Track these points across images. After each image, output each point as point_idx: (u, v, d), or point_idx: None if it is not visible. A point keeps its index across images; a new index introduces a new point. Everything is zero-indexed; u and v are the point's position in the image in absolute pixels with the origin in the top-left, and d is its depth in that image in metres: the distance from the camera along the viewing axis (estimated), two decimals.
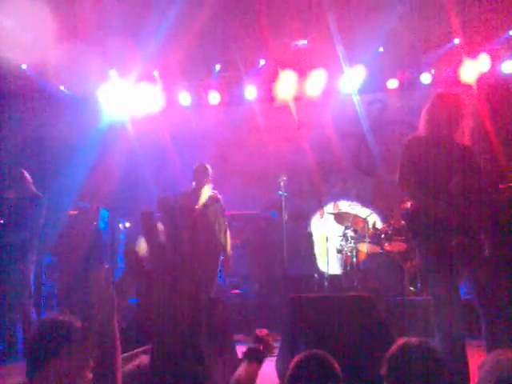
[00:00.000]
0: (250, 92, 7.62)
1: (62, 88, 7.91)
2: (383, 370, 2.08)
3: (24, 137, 7.29)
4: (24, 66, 7.41)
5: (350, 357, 3.28)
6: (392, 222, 5.51)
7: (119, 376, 1.67)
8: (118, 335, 1.66)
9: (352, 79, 7.18)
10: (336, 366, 2.17)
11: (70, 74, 7.23)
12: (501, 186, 3.86)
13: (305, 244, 6.74)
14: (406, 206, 3.90)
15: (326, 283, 5.86)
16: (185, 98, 7.82)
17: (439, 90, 3.71)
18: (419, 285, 5.26)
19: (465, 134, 3.35)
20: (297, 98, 7.53)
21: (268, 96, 7.66)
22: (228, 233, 4.91)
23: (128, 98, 7.85)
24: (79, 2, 6.26)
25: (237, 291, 5.81)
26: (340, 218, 5.91)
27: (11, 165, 6.56)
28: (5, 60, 6.73)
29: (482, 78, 6.82)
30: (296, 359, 2.23)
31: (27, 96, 7.42)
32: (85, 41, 6.61)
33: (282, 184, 5.62)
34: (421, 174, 3.22)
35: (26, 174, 4.65)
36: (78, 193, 6.59)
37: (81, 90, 7.85)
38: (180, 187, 7.23)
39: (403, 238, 5.07)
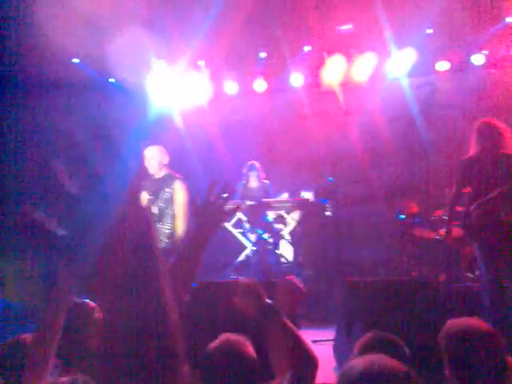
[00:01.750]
0: (296, 79, 7.64)
1: (111, 80, 8.13)
2: (441, 348, 2.09)
3: (75, 129, 7.52)
4: (76, 60, 7.62)
5: (408, 341, 3.40)
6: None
7: None
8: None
9: (400, 62, 7.11)
10: (405, 348, 2.22)
11: (120, 66, 7.37)
12: None
13: (357, 229, 6.77)
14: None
15: (381, 269, 5.91)
16: (231, 87, 7.90)
17: (483, 120, 4.36)
18: (477, 272, 5.24)
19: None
20: (343, 84, 7.51)
21: (314, 82, 7.67)
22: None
23: (175, 89, 7.99)
24: None
25: (289, 277, 5.87)
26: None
27: (71, 159, 6.87)
28: (58, 53, 6.99)
29: None
30: (363, 340, 2.25)
31: (79, 89, 7.65)
32: (133, 32, 6.76)
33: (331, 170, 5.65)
34: (476, 188, 4.17)
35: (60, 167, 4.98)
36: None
37: (130, 81, 7.92)
38: (228, 176, 7.48)
39: (460, 223, 5.05)
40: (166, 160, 4.84)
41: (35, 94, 7.16)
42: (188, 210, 4.63)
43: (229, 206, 6.22)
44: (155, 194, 4.66)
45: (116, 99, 7.89)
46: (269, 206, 6.48)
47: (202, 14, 6.65)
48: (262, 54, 7.67)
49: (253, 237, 6.58)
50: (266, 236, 6.43)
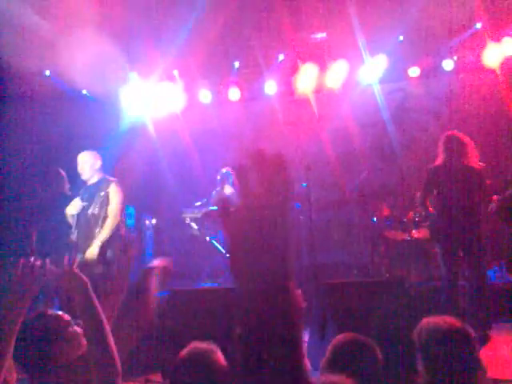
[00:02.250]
0: (270, 87, 7.72)
1: (84, 91, 8.10)
2: (415, 347, 2.11)
3: (49, 140, 7.44)
4: (47, 72, 7.61)
5: (380, 341, 3.40)
6: (418, 210, 5.55)
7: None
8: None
9: (373, 69, 7.21)
10: (377, 349, 2.20)
11: (92, 78, 7.32)
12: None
13: (331, 233, 6.80)
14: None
15: (354, 271, 5.93)
16: (205, 96, 7.95)
17: (449, 133, 4.79)
18: None
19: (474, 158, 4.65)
20: (317, 91, 7.59)
21: (288, 90, 7.73)
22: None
23: (149, 99, 8.00)
24: (99, 4, 6.39)
25: None
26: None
27: (41, 165, 6.84)
28: (29, 66, 6.93)
29: (506, 63, 6.77)
30: (335, 342, 2.24)
31: (51, 100, 7.61)
32: (106, 43, 6.73)
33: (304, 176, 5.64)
34: (440, 194, 4.62)
35: (62, 172, 5.19)
36: None
37: (102, 92, 7.90)
38: (202, 184, 7.49)
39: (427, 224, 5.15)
40: (99, 164, 4.73)
41: (6, 105, 7.14)
42: (120, 211, 4.54)
43: (203, 214, 6.14)
44: (89, 200, 4.54)
45: (89, 111, 7.85)
46: None
47: (177, 24, 6.71)
48: (236, 64, 7.75)
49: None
50: None
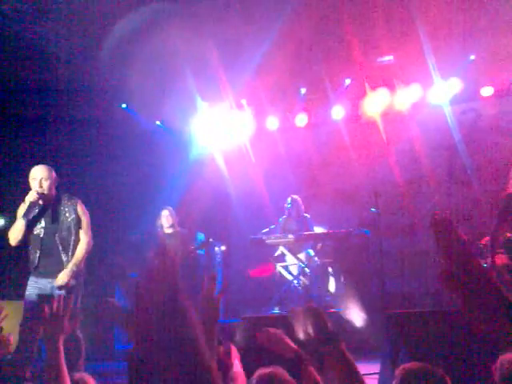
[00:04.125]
0: (337, 111, 7.77)
1: (157, 123, 8.55)
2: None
3: (128, 173, 7.85)
4: (124, 105, 8.10)
5: (454, 373, 3.31)
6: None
7: None
8: None
9: (444, 91, 7.09)
10: (448, 381, 2.08)
11: (165, 109, 7.82)
12: None
13: (402, 260, 6.66)
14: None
15: (428, 300, 5.76)
16: (272, 123, 8.13)
17: None
18: None
19: None
20: (385, 114, 7.54)
21: (355, 114, 7.75)
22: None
23: (218, 128, 8.34)
24: (166, 38, 6.74)
25: (332, 310, 5.89)
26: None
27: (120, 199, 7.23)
28: (107, 100, 7.52)
29: None
30: (403, 371, 2.13)
31: (127, 133, 8.02)
32: (178, 74, 7.10)
33: (373, 201, 5.62)
34: None
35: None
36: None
37: (174, 123, 8.46)
38: (269, 210, 7.59)
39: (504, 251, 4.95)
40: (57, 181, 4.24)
41: (82, 136, 7.50)
42: (90, 230, 4.22)
43: (271, 241, 6.21)
44: (55, 223, 4.10)
45: (161, 141, 8.25)
46: (310, 239, 6.52)
47: (246, 53, 6.93)
48: (303, 90, 7.88)
49: (294, 270, 6.60)
50: (307, 269, 6.45)
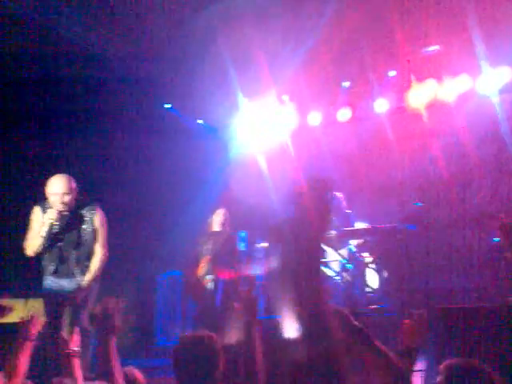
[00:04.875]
0: (381, 104, 7.68)
1: (199, 121, 8.70)
2: None
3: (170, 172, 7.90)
4: (167, 105, 8.24)
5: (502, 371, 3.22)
6: None
7: None
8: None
9: (493, 80, 6.89)
10: (495, 376, 2.07)
11: (207, 107, 7.95)
12: None
13: (448, 255, 6.53)
14: None
15: (474, 295, 5.65)
16: (314, 118, 8.12)
17: None
18: None
19: None
20: (430, 105, 7.41)
21: (399, 107, 7.63)
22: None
23: (259, 125, 8.41)
24: (210, 35, 6.74)
25: (375, 306, 5.86)
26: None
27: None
28: (150, 99, 7.68)
29: None
30: (448, 366, 2.12)
31: (169, 132, 8.03)
32: (219, 72, 7.16)
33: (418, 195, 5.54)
34: None
35: None
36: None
37: (216, 121, 8.63)
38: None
39: None
40: (74, 187, 4.10)
41: (126, 137, 7.66)
42: (106, 242, 4.11)
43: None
44: (73, 235, 4.04)
45: (202, 139, 8.36)
46: (352, 235, 6.47)
47: (290, 48, 6.98)
48: (346, 83, 7.83)
49: (336, 266, 6.55)
50: (349, 265, 6.41)
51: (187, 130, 8.43)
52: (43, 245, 3.99)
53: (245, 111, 8.33)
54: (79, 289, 3.93)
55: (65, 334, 2.75)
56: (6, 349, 2.62)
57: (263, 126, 8.39)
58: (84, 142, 7.04)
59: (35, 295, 4.70)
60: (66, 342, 2.48)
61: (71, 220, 4.05)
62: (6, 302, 5.23)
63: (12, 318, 5.12)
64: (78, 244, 4.03)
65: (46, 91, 6.58)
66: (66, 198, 3.99)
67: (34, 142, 6.69)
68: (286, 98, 8.17)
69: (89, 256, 4.07)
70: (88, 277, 4.01)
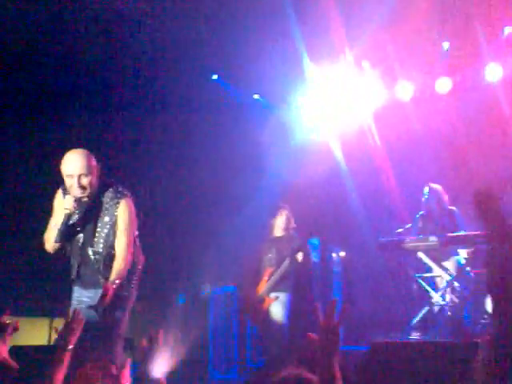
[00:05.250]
0: (493, 72, 7.34)
1: (255, 96, 8.61)
2: None
3: (219, 161, 8.03)
4: (215, 76, 8.25)
5: None
6: None
7: None
8: None
9: None
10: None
11: (265, 78, 7.83)
12: None
13: None
14: None
15: None
16: (405, 90, 7.85)
17: None
18: None
19: None
20: None
21: None
22: None
23: (331, 101, 8.23)
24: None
25: (488, 338, 5.56)
26: None
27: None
28: (196, 70, 7.69)
29: None
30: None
31: (217, 107, 8.15)
32: (280, 34, 7.10)
33: None
34: None
35: None
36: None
37: (277, 96, 8.50)
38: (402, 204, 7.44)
39: None
40: (97, 167, 3.97)
41: (170, 112, 7.74)
42: (131, 242, 3.97)
43: (407, 245, 6.07)
44: (93, 228, 3.97)
45: (260, 118, 8.30)
46: (460, 242, 6.26)
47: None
48: (446, 45, 7.51)
49: (440, 284, 6.44)
50: (456, 283, 6.31)
51: (239, 107, 8.46)
52: (60, 239, 3.89)
53: (313, 84, 8.17)
54: (99, 304, 3.69)
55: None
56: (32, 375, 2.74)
57: (337, 103, 8.21)
58: (106, 124, 7.24)
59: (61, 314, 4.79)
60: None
61: (91, 209, 3.96)
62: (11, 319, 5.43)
63: (32, 339, 5.28)
64: (94, 241, 3.94)
65: (74, 63, 6.94)
66: (85, 181, 3.86)
67: (52, 123, 6.94)
68: (366, 64, 7.88)
69: (110, 258, 3.96)
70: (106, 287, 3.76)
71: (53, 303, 6.12)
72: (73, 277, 4.04)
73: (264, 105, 8.69)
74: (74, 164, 3.84)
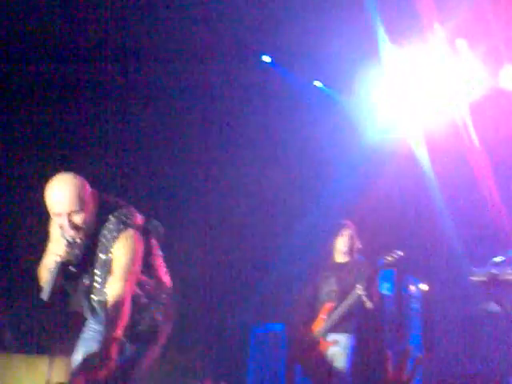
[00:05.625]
0: None
1: (317, 83, 8.60)
2: None
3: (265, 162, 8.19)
4: (267, 59, 8.31)
5: None
6: None
7: None
8: None
9: None
10: None
11: (329, 61, 7.87)
12: None
13: None
14: None
15: None
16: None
17: None
18: None
19: None
20: None
21: None
22: None
23: (414, 92, 8.07)
24: None
25: None
26: None
27: None
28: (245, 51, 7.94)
29: None
30: None
31: (268, 100, 8.26)
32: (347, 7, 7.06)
33: None
34: None
35: None
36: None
37: (344, 83, 8.39)
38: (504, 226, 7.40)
39: None
40: (91, 196, 3.82)
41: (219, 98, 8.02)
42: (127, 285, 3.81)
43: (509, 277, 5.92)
44: (90, 273, 3.89)
45: (321, 113, 8.36)
46: None
47: None
48: None
49: None
50: None
51: (295, 97, 8.45)
52: (50, 297, 3.69)
53: (390, 68, 8.03)
54: (96, 355, 3.63)
55: None
56: None
57: (422, 93, 8.06)
58: (151, 115, 7.61)
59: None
60: None
61: (89, 249, 3.86)
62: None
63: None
64: (95, 288, 3.89)
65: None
66: (78, 219, 3.68)
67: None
68: (462, 43, 7.61)
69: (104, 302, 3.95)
70: (104, 333, 3.71)
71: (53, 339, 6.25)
72: (84, 321, 4.12)
73: (327, 94, 8.68)
74: (60, 200, 3.64)
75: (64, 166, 3.92)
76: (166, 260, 4.15)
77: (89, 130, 7.37)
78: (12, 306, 6.77)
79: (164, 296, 4.07)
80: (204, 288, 7.59)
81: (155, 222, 4.08)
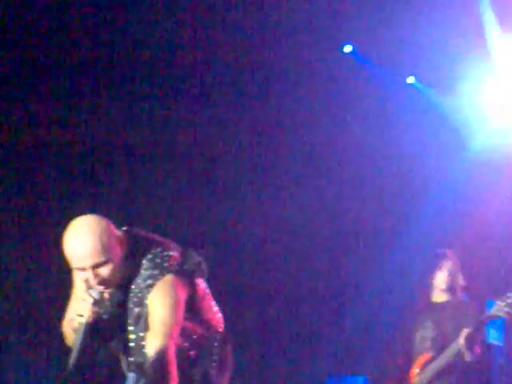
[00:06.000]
0: None
1: (410, 80, 8.64)
2: None
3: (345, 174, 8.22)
4: (348, 48, 8.39)
5: None
6: None
7: None
8: None
9: None
10: None
11: (423, 54, 8.06)
12: None
13: None
14: None
15: None
16: None
17: None
18: None
19: None
20: None
21: None
22: None
23: None
24: None
25: None
26: None
27: None
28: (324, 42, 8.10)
29: None
30: None
31: (352, 91, 8.42)
32: None
33: None
34: None
35: None
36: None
37: (442, 81, 8.50)
38: None
39: None
40: (118, 239, 3.82)
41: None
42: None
43: None
44: (119, 316, 3.94)
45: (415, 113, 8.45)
46: None
47: None
48: None
49: None
50: None
51: (384, 95, 8.60)
52: (76, 372, 3.80)
53: (501, 63, 8.10)
54: None
55: None
56: None
57: None
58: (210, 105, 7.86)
59: None
60: None
61: (120, 302, 3.94)
62: None
63: None
64: (131, 348, 3.96)
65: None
66: (105, 271, 3.72)
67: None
68: None
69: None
70: None
71: None
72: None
73: (422, 93, 8.70)
74: (82, 253, 3.69)
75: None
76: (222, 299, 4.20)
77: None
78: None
79: (216, 344, 4.10)
80: (268, 332, 7.67)
81: (194, 254, 4.06)
